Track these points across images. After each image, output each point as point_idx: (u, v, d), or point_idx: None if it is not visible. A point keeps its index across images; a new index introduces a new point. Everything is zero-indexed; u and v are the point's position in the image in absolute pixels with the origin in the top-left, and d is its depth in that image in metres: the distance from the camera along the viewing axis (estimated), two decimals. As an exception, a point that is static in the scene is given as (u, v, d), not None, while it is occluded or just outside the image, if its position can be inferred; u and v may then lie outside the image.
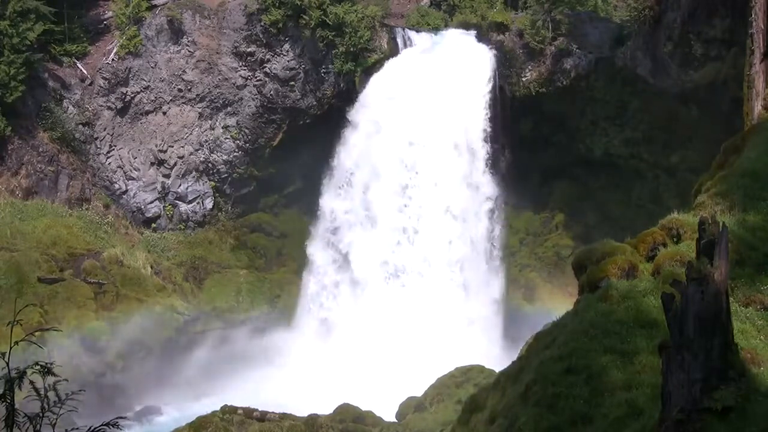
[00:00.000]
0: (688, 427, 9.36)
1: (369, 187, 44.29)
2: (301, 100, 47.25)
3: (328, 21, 44.87)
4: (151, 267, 44.41)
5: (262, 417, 30.40)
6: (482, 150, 44.11)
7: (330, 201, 45.49)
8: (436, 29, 48.42)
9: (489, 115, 44.19)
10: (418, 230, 43.56)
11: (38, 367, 6.77)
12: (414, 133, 43.38)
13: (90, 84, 46.45)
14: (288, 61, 46.80)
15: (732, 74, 33.58)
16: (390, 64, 45.41)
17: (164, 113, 47.58)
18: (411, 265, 43.41)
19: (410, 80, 44.06)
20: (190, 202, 48.36)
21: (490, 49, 45.15)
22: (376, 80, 45.10)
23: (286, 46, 46.60)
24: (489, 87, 44.51)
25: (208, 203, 48.60)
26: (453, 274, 43.60)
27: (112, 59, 46.63)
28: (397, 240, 43.62)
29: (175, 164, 47.96)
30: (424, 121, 43.22)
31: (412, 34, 47.08)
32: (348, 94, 46.02)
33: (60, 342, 37.88)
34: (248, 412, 30.42)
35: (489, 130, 44.17)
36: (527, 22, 44.74)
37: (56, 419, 6.75)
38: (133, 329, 41.29)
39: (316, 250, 46.00)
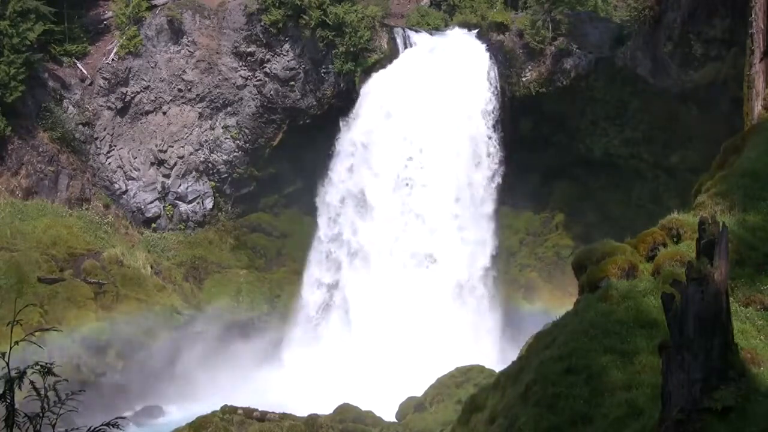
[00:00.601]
0: (688, 427, 9.36)
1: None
2: (301, 100, 47.23)
3: (328, 21, 44.86)
4: (151, 267, 44.41)
5: (262, 417, 30.39)
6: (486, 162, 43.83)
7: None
8: (436, 29, 48.39)
9: (490, 117, 44.08)
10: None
11: (38, 367, 6.77)
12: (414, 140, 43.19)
13: (90, 84, 46.45)
14: (288, 61, 46.80)
15: (732, 74, 33.56)
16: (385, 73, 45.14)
17: (164, 113, 47.58)
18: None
19: (409, 87, 43.83)
20: (190, 202, 48.34)
21: (488, 49, 45.12)
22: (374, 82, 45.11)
23: (286, 46, 46.60)
24: (489, 87, 44.45)
25: (208, 203, 48.59)
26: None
27: (112, 59, 46.64)
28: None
29: (175, 164, 47.96)
30: (424, 129, 42.97)
31: (411, 34, 47.07)
32: (348, 94, 46.02)
33: (60, 342, 37.87)
34: (248, 412, 30.41)
35: (492, 135, 44.02)
36: (527, 22, 44.72)
37: (56, 419, 6.75)
38: (133, 329, 41.29)
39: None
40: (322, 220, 45.57)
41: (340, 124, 45.19)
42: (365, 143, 44.30)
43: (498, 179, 44.50)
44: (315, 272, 45.42)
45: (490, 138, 44.05)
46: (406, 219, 43.07)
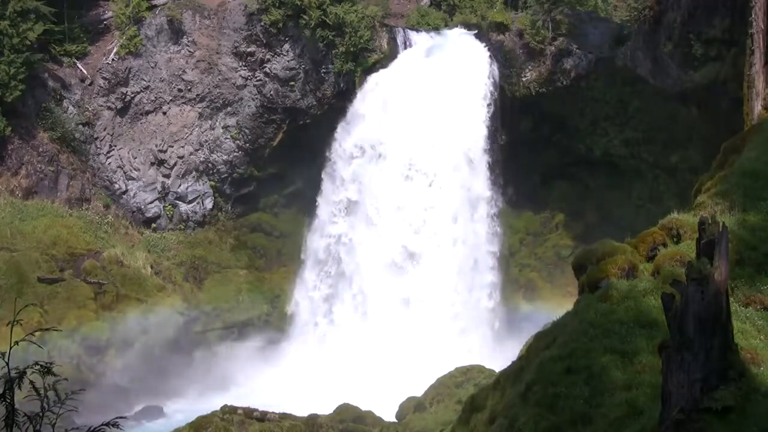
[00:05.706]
0: (688, 427, 9.36)
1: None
2: (301, 100, 47.22)
3: (328, 21, 44.85)
4: (151, 267, 44.43)
5: (262, 417, 30.38)
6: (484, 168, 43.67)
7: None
8: (436, 29, 48.38)
9: (490, 117, 44.04)
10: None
11: (38, 367, 6.77)
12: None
13: (90, 84, 46.44)
14: (288, 61, 46.79)
15: (732, 74, 33.54)
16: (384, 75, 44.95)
17: (164, 113, 47.58)
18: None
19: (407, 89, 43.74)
20: (190, 202, 48.34)
21: (488, 49, 45.09)
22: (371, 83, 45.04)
23: (286, 46, 46.60)
24: (489, 87, 44.43)
25: (208, 203, 48.59)
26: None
27: (112, 59, 46.63)
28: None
29: (175, 164, 47.96)
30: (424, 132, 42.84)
31: (411, 34, 47.06)
32: (348, 94, 45.99)
33: (60, 342, 37.89)
34: (248, 412, 30.39)
35: (492, 135, 43.94)
36: (527, 22, 44.73)
37: (56, 419, 6.75)
38: (133, 329, 41.31)
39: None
40: (320, 221, 45.47)
41: (340, 123, 45.18)
42: (365, 143, 44.27)
43: (498, 179, 44.50)
44: (312, 272, 45.33)
45: (490, 138, 44.03)
46: (405, 219, 43.01)
